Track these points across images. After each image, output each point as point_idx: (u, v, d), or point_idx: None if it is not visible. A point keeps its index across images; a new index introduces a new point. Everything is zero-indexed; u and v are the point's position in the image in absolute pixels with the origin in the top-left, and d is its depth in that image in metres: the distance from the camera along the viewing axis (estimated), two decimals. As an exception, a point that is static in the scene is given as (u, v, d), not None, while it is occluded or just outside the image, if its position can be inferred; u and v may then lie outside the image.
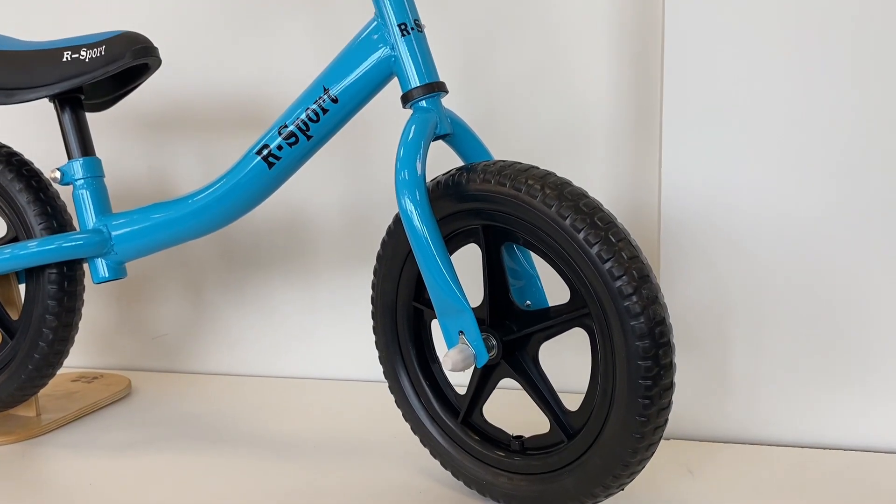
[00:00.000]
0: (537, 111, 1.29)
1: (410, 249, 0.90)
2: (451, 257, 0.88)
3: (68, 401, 1.30)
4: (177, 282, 1.52)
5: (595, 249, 0.77)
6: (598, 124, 1.27)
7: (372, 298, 1.02)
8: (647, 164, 1.25)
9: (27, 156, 1.16)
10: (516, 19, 1.27)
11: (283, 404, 1.32)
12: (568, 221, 0.78)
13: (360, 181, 1.38)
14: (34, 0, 1.48)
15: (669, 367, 0.77)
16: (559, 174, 0.84)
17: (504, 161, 0.87)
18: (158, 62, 1.07)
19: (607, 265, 0.76)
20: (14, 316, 1.18)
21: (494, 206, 0.85)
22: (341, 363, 1.44)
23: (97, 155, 1.11)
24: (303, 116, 0.96)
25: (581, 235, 0.78)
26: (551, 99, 1.28)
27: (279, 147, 0.97)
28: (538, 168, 0.84)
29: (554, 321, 0.86)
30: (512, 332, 0.89)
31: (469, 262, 0.96)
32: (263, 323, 1.48)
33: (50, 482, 1.07)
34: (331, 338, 1.44)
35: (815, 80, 1.02)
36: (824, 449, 1.06)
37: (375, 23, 0.92)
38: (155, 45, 1.05)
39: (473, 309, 0.86)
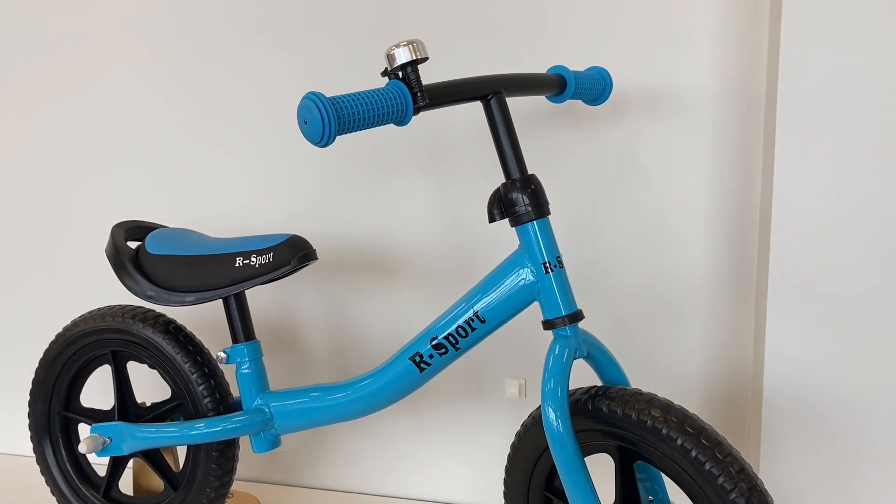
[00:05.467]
0: (639, 273, 1.40)
1: (546, 447, 1.05)
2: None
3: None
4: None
5: (720, 480, 0.92)
6: (695, 290, 1.38)
7: (504, 488, 1.16)
8: (742, 334, 1.36)
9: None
10: (620, 195, 1.39)
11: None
12: (693, 454, 0.94)
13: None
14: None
15: None
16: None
17: (638, 392, 1.00)
18: (315, 261, 1.20)
19: (732, 496, 0.92)
20: (175, 468, 1.32)
21: (629, 434, 0.99)
22: (448, 483, 1.57)
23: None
24: (452, 332, 1.08)
25: (706, 467, 0.93)
26: (653, 264, 1.40)
27: (430, 356, 1.10)
28: (673, 405, 0.98)
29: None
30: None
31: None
32: (376, 445, 1.62)
33: None
34: (438, 460, 1.58)
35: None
36: None
37: (521, 254, 1.04)
38: (314, 247, 1.18)
39: None
